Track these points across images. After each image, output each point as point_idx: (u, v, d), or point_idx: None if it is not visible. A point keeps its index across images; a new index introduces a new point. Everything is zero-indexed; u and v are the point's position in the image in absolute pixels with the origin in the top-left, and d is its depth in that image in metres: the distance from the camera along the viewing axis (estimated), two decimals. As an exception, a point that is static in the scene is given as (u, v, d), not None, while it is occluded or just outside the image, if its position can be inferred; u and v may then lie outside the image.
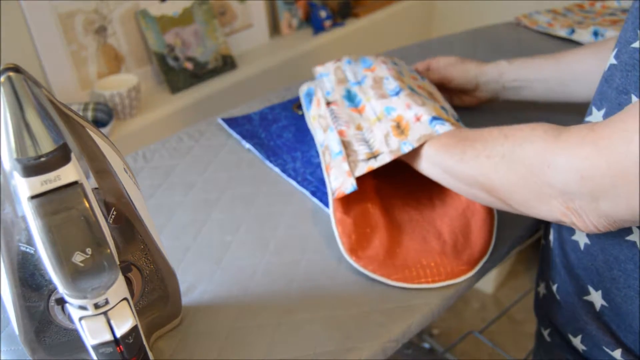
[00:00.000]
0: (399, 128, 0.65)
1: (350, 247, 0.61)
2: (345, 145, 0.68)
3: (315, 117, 0.76)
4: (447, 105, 0.77)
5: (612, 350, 0.54)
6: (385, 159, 0.63)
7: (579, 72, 0.73)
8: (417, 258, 0.60)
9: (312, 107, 0.78)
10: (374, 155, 0.65)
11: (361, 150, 0.66)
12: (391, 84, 0.72)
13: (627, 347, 0.53)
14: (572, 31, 1.08)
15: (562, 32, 1.09)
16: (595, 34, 1.04)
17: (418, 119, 0.64)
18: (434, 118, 0.63)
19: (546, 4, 1.27)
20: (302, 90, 0.84)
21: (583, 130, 0.44)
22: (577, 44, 1.05)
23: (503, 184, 0.51)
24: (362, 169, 0.64)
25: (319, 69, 0.82)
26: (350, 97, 0.74)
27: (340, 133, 0.69)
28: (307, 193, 0.72)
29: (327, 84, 0.78)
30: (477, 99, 0.85)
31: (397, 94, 0.70)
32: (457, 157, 0.56)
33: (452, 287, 0.59)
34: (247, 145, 0.81)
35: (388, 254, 0.61)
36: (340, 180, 0.65)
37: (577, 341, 0.58)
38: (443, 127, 0.61)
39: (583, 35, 1.06)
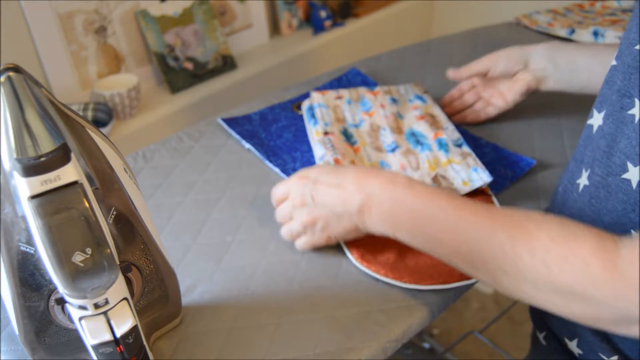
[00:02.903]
0: None
1: (360, 255, 0.61)
2: None
3: (320, 132, 0.76)
4: (451, 127, 0.77)
5: (609, 357, 0.53)
6: None
7: None
8: (429, 259, 0.60)
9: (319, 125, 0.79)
10: None
11: None
12: (388, 138, 0.75)
13: (623, 353, 0.52)
14: (572, 31, 1.08)
15: (562, 32, 1.09)
16: (595, 34, 1.04)
17: None
18: None
19: (546, 4, 1.27)
20: (305, 104, 0.85)
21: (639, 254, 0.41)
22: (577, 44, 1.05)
23: (554, 311, 0.47)
24: None
25: (317, 97, 0.83)
26: (347, 135, 0.77)
27: (336, 161, 0.71)
28: (307, 193, 0.72)
29: (326, 117, 0.80)
30: (523, 82, 0.77)
31: (393, 150, 0.73)
32: (485, 277, 0.50)
33: (454, 287, 0.59)
34: (247, 145, 0.81)
35: (399, 256, 0.61)
36: None
37: (573, 345, 0.57)
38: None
39: (583, 35, 1.06)
